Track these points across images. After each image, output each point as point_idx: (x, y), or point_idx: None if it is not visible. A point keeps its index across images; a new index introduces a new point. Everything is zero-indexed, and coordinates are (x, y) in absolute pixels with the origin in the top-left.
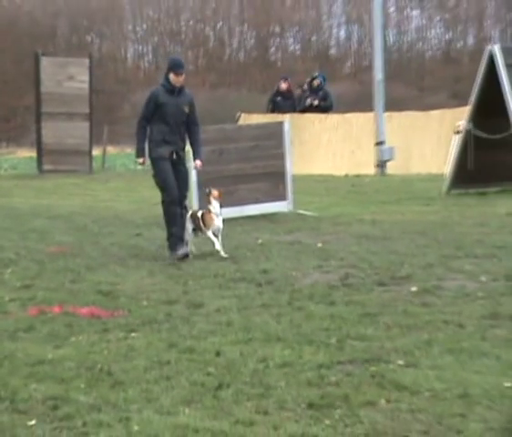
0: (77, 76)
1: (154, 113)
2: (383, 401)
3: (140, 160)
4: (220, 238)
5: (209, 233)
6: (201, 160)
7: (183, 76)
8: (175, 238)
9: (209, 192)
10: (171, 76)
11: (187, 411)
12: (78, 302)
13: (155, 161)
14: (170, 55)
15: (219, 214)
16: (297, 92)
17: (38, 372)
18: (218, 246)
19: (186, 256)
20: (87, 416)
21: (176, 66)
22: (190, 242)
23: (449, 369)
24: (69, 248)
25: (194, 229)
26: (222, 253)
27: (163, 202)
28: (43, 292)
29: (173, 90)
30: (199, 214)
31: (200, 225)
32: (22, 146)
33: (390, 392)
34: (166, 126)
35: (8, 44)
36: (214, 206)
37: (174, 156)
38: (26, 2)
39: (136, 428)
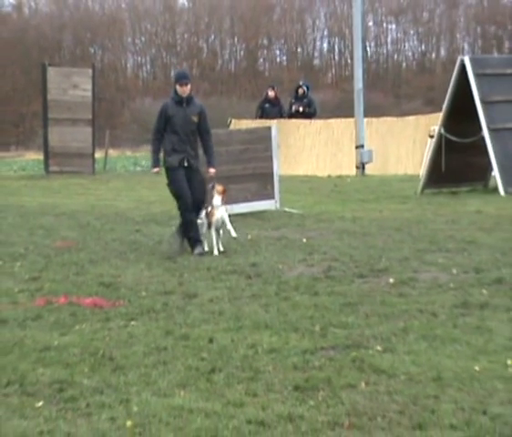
0: (81, 84)
1: (165, 124)
2: (362, 384)
3: (155, 170)
4: (228, 222)
5: (212, 230)
6: (214, 167)
7: (188, 87)
8: (192, 241)
9: (213, 186)
10: (177, 87)
11: (182, 393)
12: (82, 293)
13: (168, 171)
14: (167, 65)
15: (219, 206)
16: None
17: (45, 358)
18: (214, 243)
19: (201, 254)
20: (91, 398)
21: (180, 78)
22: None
23: (423, 354)
24: (74, 243)
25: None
26: (215, 251)
27: (179, 209)
28: (49, 284)
29: (181, 101)
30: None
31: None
32: (30, 149)
33: (369, 376)
34: (175, 135)
35: (18, 55)
36: (215, 199)
37: (185, 163)
38: (34, 17)
39: (135, 409)
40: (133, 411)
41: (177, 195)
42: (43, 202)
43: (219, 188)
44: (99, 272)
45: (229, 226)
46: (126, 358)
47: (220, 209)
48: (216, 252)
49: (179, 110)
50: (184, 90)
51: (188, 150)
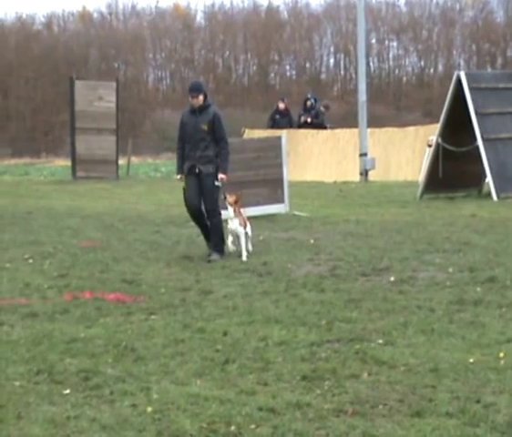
0: (106, 96)
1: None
2: (365, 374)
3: (178, 177)
4: (242, 239)
5: (229, 235)
6: (224, 173)
7: (199, 98)
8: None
9: (225, 198)
10: (189, 98)
11: (198, 382)
12: (106, 289)
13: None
14: (185, 79)
15: (233, 218)
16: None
17: (72, 349)
18: (229, 246)
19: (212, 261)
20: (114, 386)
21: (189, 91)
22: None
23: (422, 347)
24: (99, 243)
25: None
26: (244, 256)
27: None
28: (76, 280)
29: (194, 111)
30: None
31: None
32: (59, 156)
33: (371, 367)
34: (188, 143)
35: (48, 69)
36: (229, 211)
37: (196, 170)
38: (63, 34)
39: (155, 396)
40: (153, 399)
41: (184, 201)
42: (70, 205)
43: (230, 199)
44: (122, 270)
45: (243, 245)
46: (146, 349)
47: (233, 221)
48: (244, 256)
49: (192, 119)
50: (194, 102)
51: (197, 158)
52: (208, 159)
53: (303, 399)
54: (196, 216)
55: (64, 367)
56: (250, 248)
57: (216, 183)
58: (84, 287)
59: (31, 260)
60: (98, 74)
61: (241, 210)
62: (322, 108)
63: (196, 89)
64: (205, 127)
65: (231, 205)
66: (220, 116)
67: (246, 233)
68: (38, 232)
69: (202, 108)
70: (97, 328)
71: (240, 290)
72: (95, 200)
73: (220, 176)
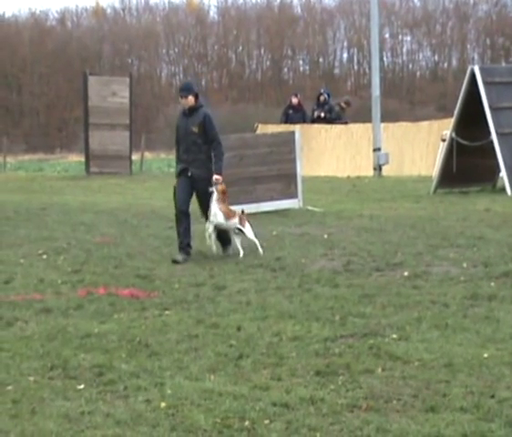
0: (119, 92)
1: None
2: (379, 370)
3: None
4: (230, 231)
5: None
6: (219, 173)
7: (188, 98)
8: (178, 245)
9: (212, 192)
10: (179, 98)
11: (212, 377)
12: (120, 285)
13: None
14: (198, 74)
15: (216, 213)
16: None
17: (86, 344)
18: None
19: (176, 262)
20: (128, 381)
21: (179, 91)
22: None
23: (436, 342)
24: (112, 238)
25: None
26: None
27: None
28: (90, 276)
29: (186, 112)
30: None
31: None
32: (72, 151)
33: (385, 362)
34: (181, 145)
35: (61, 65)
36: (213, 197)
37: (189, 173)
38: (76, 29)
39: (169, 392)
40: (167, 394)
41: (174, 201)
42: (84, 201)
43: (220, 186)
44: (136, 265)
45: (237, 241)
46: (160, 344)
47: (216, 216)
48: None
49: (183, 121)
50: (183, 102)
51: (189, 161)
52: (200, 163)
53: (317, 394)
54: (181, 219)
55: (78, 362)
56: (233, 249)
57: (210, 189)
58: (98, 282)
59: (45, 256)
60: (112, 69)
61: (237, 211)
62: (343, 104)
63: (185, 89)
64: (195, 130)
65: (218, 192)
66: (210, 116)
67: (239, 229)
68: (52, 228)
69: (193, 109)
70: (110, 323)
71: (254, 286)
72: (108, 196)
73: (215, 177)
